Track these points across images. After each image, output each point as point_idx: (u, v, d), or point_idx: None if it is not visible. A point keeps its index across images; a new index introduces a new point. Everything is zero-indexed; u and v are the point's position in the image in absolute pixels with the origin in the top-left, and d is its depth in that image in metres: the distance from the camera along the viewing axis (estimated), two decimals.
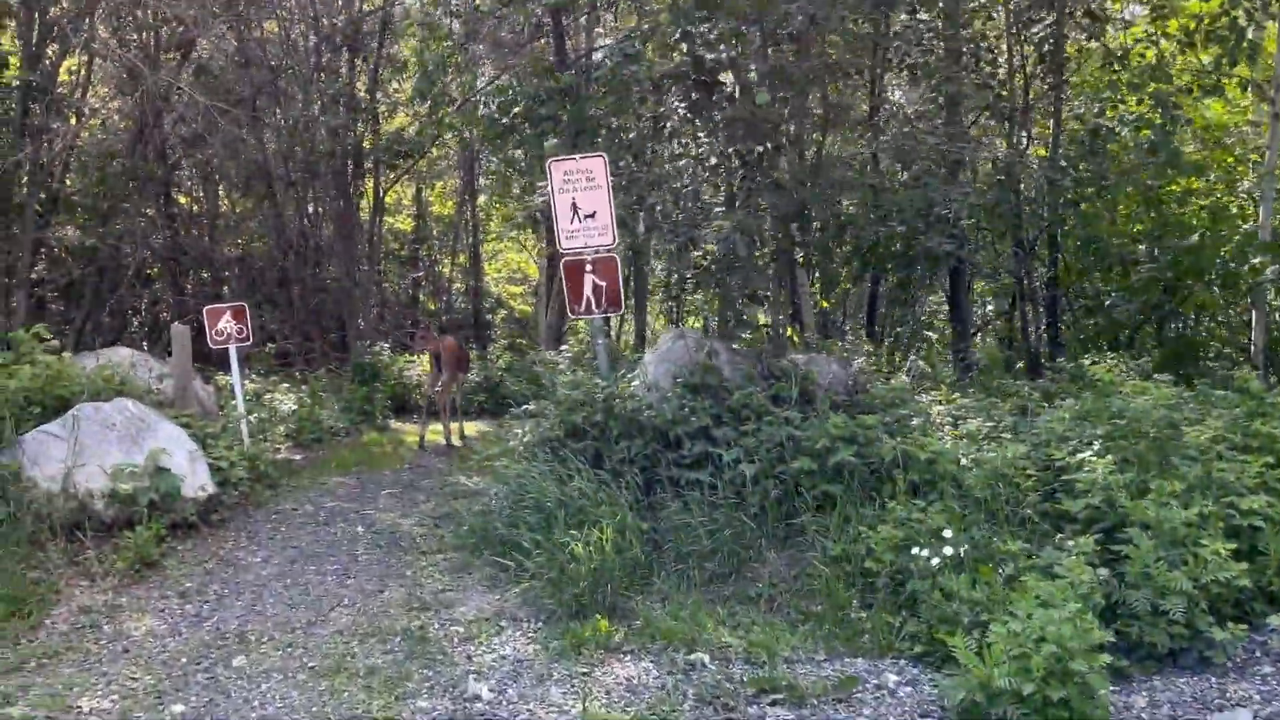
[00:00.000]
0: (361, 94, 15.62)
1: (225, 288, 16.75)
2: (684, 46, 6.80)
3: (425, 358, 14.63)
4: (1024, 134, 13.46)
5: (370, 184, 17.54)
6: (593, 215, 6.83)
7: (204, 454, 7.39)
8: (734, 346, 7.97)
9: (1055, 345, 13.71)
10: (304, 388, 12.57)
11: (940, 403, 7.72)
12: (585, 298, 6.95)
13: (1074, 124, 12.64)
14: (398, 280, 22.80)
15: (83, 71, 12.63)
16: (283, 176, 16.12)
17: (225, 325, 9.63)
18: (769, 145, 7.11)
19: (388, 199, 19.08)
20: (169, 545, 6.57)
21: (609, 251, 6.92)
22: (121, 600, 5.69)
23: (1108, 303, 13.60)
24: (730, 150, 7.27)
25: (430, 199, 23.82)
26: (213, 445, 7.80)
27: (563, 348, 15.59)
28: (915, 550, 4.97)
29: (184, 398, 8.42)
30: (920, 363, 8.79)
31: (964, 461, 6.14)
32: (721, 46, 6.93)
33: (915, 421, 6.90)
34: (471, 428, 12.79)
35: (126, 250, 12.80)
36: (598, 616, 5.19)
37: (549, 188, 6.86)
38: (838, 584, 5.45)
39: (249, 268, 17.26)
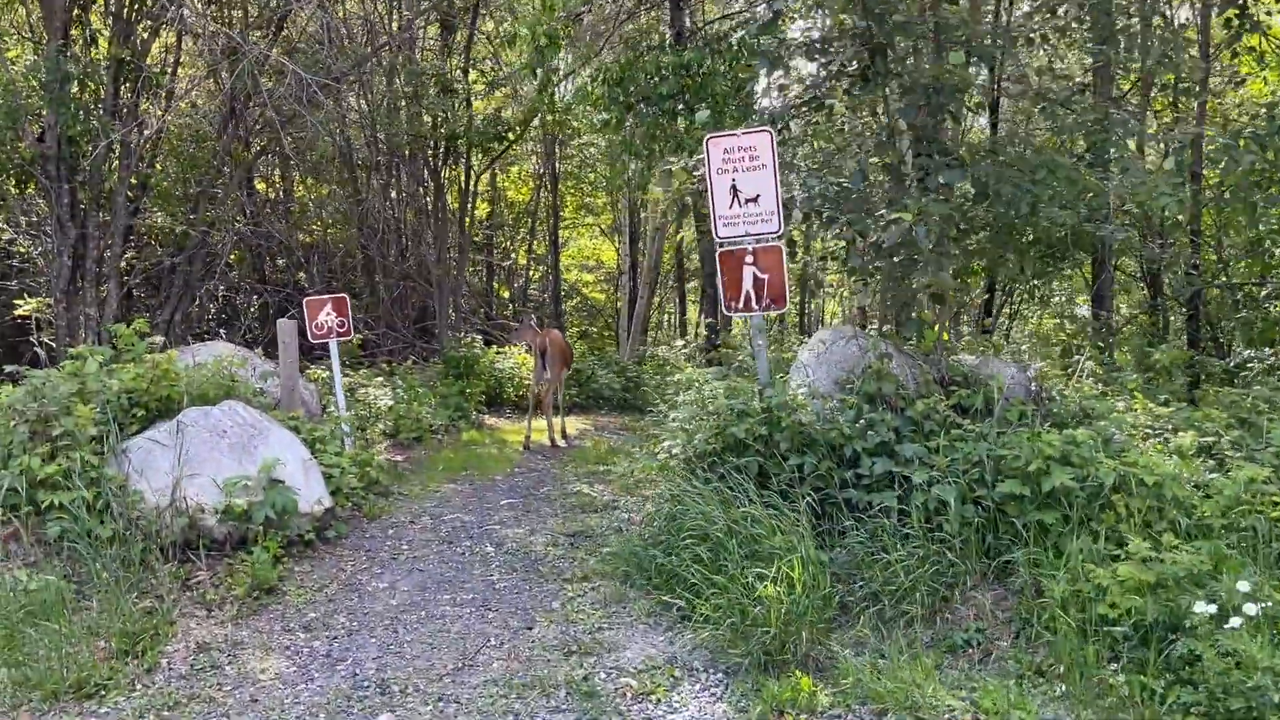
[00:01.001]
0: (455, 71, 14.89)
1: (301, 274, 16.22)
2: (861, 4, 5.91)
3: (521, 348, 14.00)
4: (1173, 109, 12.33)
5: (459, 169, 16.84)
6: (755, 199, 5.98)
7: (316, 461, 6.75)
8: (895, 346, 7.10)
9: (1193, 341, 12.56)
10: (395, 381, 11.96)
11: (1134, 411, 6.76)
12: (744, 292, 6.11)
13: (1213, 100, 11.49)
14: (471, 267, 22.20)
15: (170, 55, 12.13)
16: (368, 161, 15.54)
17: (325, 318, 9.04)
18: (951, 115, 6.22)
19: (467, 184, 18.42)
20: (285, 567, 5.92)
21: (775, 240, 6.07)
22: (242, 634, 5.05)
23: (1263, 293, 12.42)
24: (907, 124, 6.35)
25: (504, 185, 23.17)
26: (322, 451, 7.16)
27: (679, 342, 14.89)
28: (1199, 608, 4.08)
29: (290, 398, 7.81)
30: (1089, 363, 7.80)
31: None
32: (901, 4, 6.05)
33: (1118, 436, 6.00)
34: (571, 425, 12.12)
35: (216, 238, 12.28)
36: (796, 672, 4.41)
37: (706, 168, 6.03)
38: (1073, 634, 4.60)
39: (330, 255, 16.72)
